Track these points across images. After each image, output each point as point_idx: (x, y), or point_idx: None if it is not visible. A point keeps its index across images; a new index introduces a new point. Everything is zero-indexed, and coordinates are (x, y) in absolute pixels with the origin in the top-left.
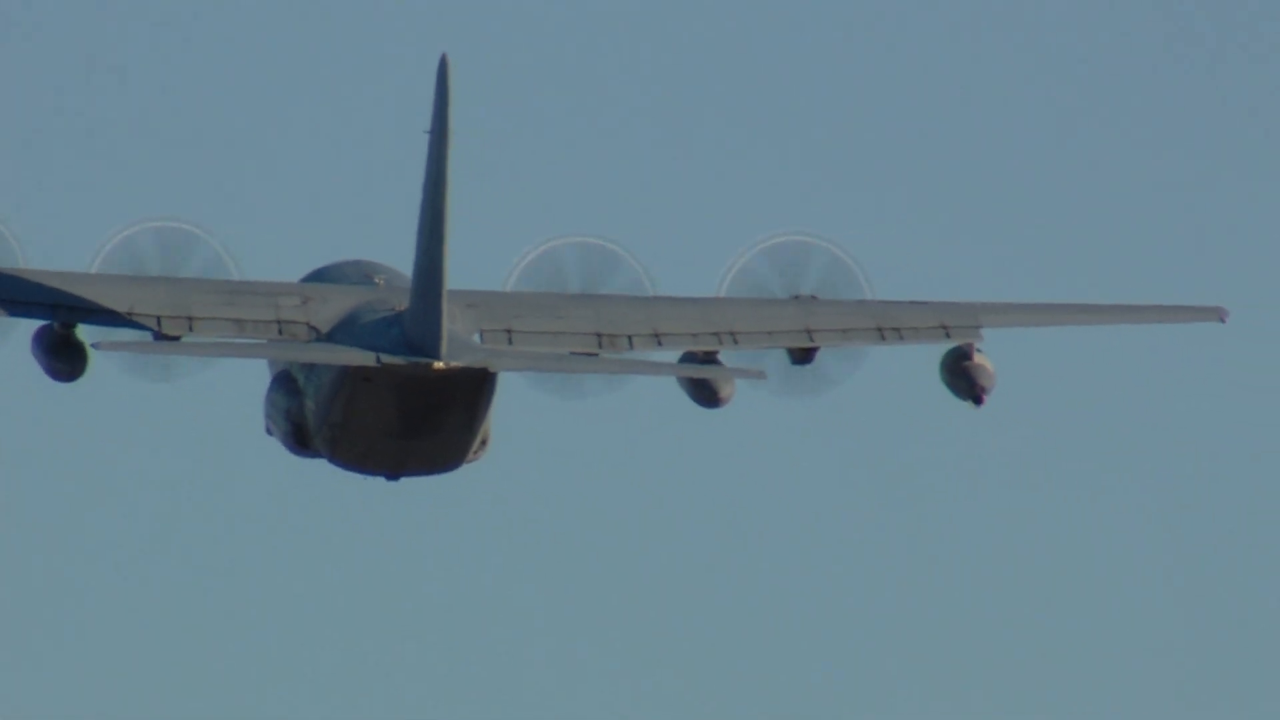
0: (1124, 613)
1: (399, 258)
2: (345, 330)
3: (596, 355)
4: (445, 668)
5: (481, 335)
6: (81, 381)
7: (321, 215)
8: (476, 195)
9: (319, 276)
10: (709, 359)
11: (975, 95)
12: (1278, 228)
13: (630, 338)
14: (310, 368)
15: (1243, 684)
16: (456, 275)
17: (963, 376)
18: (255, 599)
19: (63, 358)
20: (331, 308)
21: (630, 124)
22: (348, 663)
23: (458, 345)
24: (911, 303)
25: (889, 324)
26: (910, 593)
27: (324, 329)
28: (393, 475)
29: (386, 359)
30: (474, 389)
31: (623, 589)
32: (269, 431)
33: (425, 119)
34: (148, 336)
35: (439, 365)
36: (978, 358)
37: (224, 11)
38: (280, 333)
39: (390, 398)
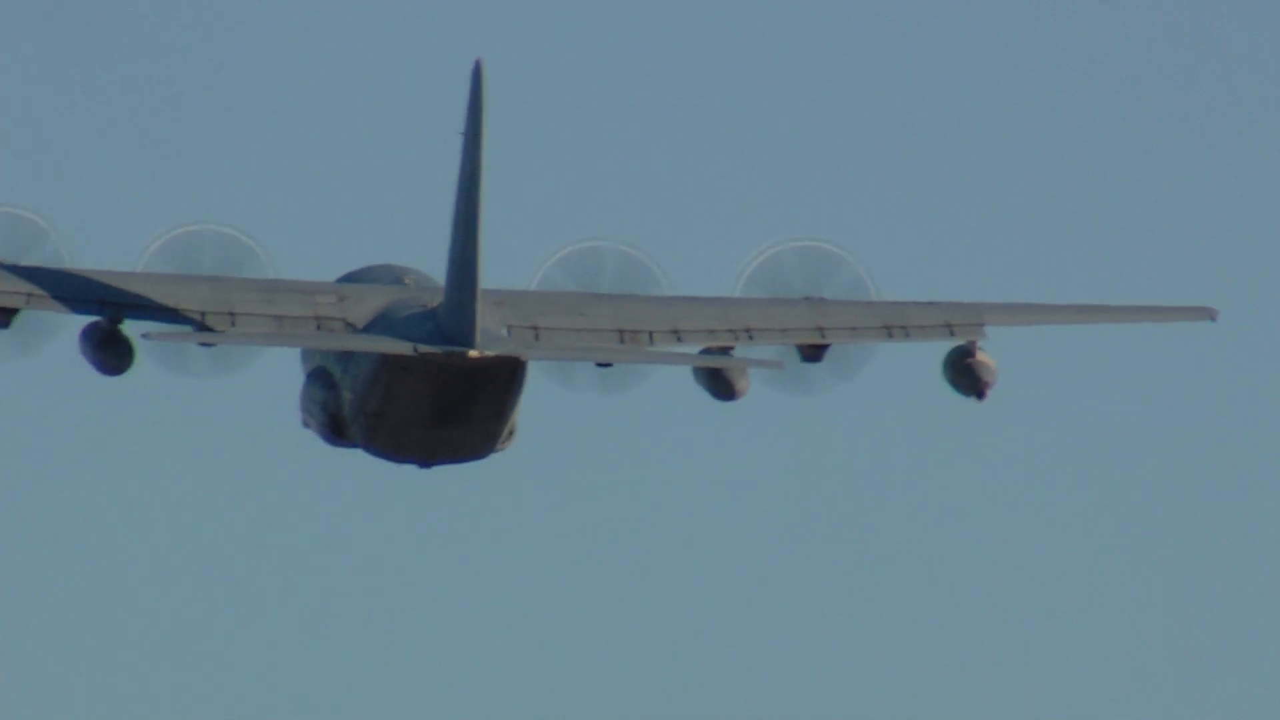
0: (1118, 603)
1: (432, 255)
2: (380, 325)
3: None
4: (475, 654)
5: (509, 331)
6: (128, 376)
7: (356, 216)
8: (504, 196)
9: (351, 279)
10: (725, 354)
11: (980, 106)
12: (1266, 232)
13: (651, 334)
14: (347, 361)
15: (1237, 681)
16: (484, 275)
17: (966, 373)
18: (288, 583)
19: (111, 352)
20: (366, 305)
21: (650, 130)
22: (382, 646)
23: (490, 337)
24: (917, 303)
25: (896, 322)
26: (910, 582)
27: (359, 324)
28: (425, 463)
29: (423, 348)
30: (506, 378)
31: (640, 577)
32: (305, 424)
33: (459, 122)
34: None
35: (474, 354)
36: (980, 355)
37: (266, 17)
38: (318, 328)
39: (425, 387)
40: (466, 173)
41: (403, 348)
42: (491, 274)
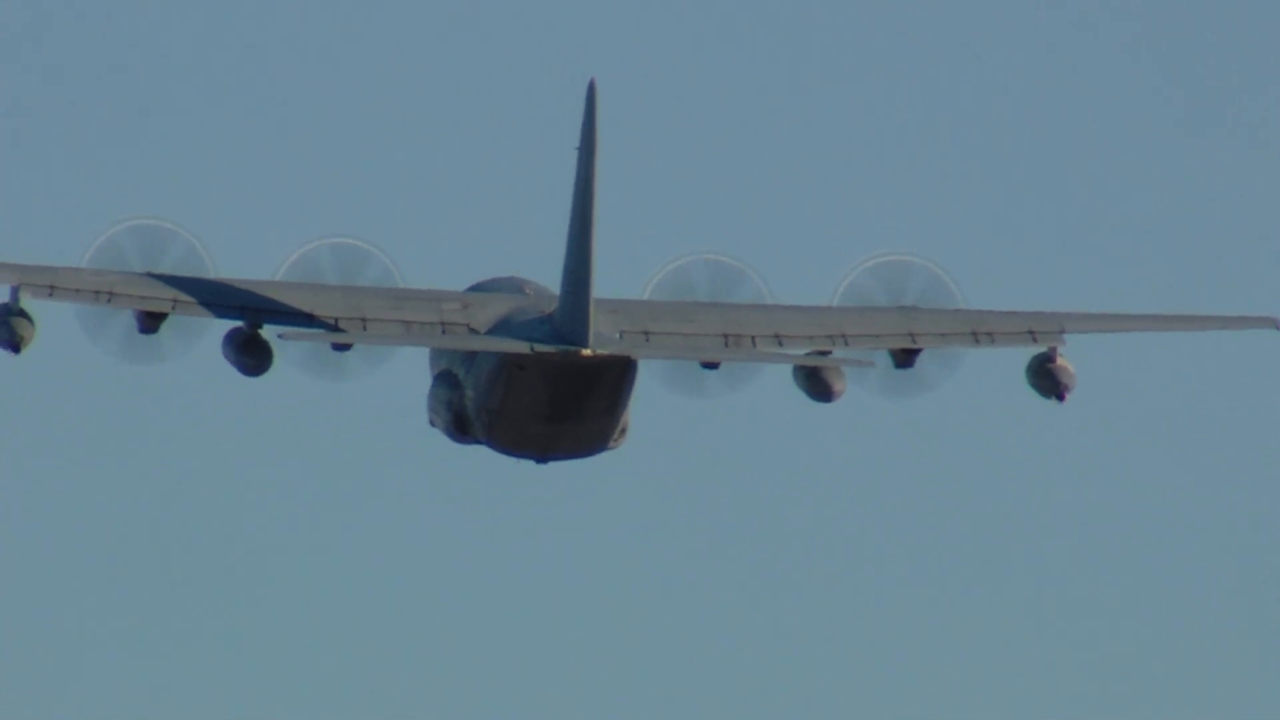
0: (1179, 592)
1: (550, 265)
2: (501, 329)
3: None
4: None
5: (622, 335)
6: (267, 377)
7: (480, 228)
8: (618, 209)
9: (477, 289)
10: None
11: (1065, 136)
12: None
13: (753, 338)
14: (470, 363)
15: None
16: (599, 286)
17: (1047, 377)
18: (413, 571)
19: (251, 354)
20: (488, 311)
21: (756, 149)
22: (510, 630)
23: (602, 338)
24: (1002, 312)
25: (982, 329)
26: (975, 575)
27: (481, 329)
28: (541, 458)
29: (540, 347)
30: (617, 377)
31: (739, 566)
32: (431, 424)
33: (575, 137)
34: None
35: (586, 352)
36: (1060, 360)
37: (391, 36)
38: (443, 333)
39: (542, 385)
40: (581, 185)
41: (520, 347)
42: (606, 285)
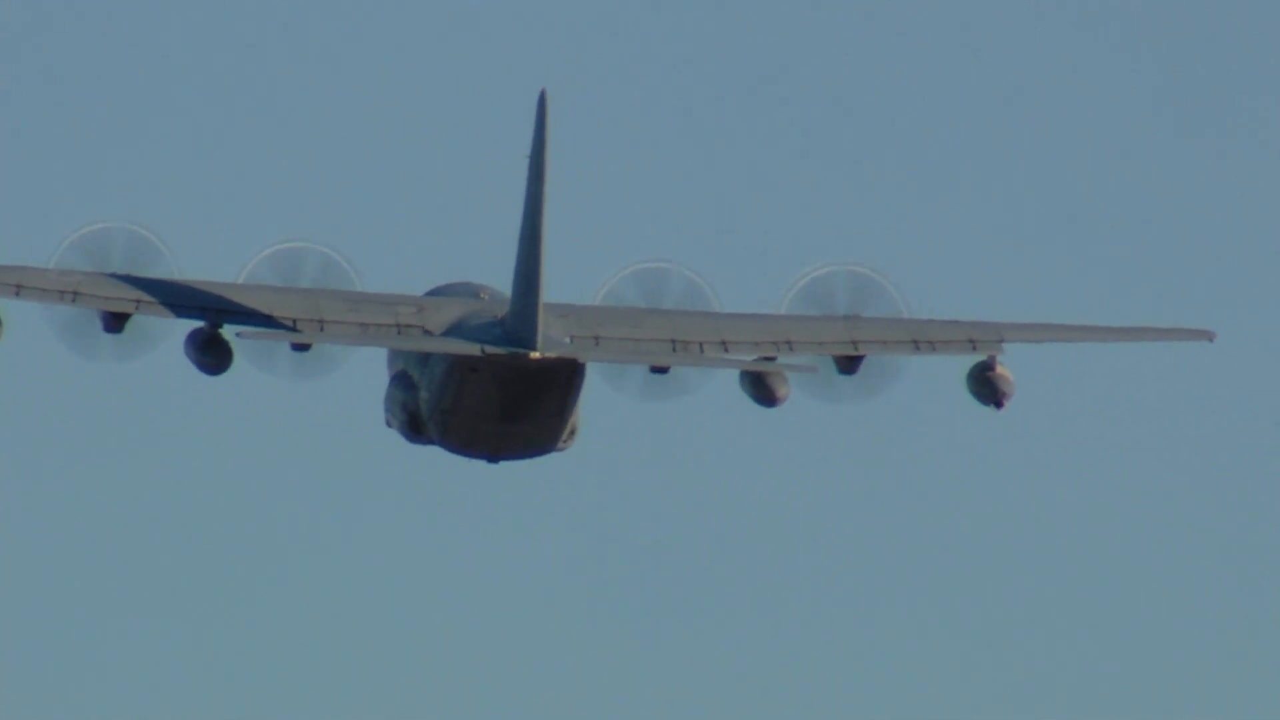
0: (1111, 590)
1: (506, 269)
2: (454, 332)
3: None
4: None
5: (572, 339)
6: (226, 376)
7: (434, 233)
8: (573, 217)
9: (435, 294)
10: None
11: (1012, 149)
12: (1262, 261)
13: (700, 344)
14: (424, 365)
15: (1230, 691)
16: (552, 291)
17: (986, 384)
18: (360, 567)
19: (211, 354)
20: (442, 315)
21: (707, 159)
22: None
23: (551, 341)
24: (943, 320)
25: (923, 337)
26: (916, 575)
27: (436, 332)
28: (493, 458)
29: (490, 349)
30: (565, 379)
31: (687, 566)
32: (388, 424)
33: (526, 145)
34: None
35: (535, 355)
36: (999, 368)
37: (344, 51)
38: (399, 334)
39: (493, 386)
40: (532, 192)
41: (471, 349)
42: (559, 290)
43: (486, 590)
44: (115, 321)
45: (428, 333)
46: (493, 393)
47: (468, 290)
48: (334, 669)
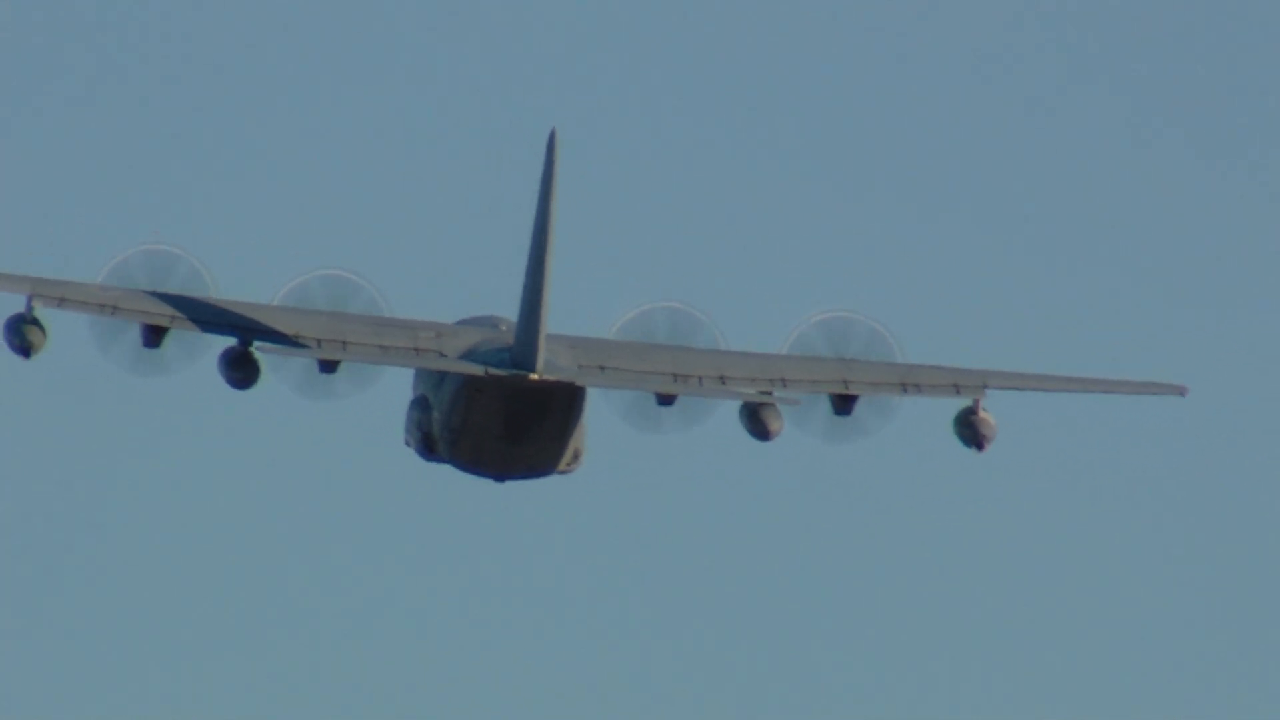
0: (1095, 618)
1: (509, 299)
2: (468, 357)
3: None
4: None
5: (580, 368)
6: (254, 390)
7: (453, 264)
8: (582, 252)
9: (461, 324)
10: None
11: (1000, 203)
12: (1234, 320)
13: (700, 378)
14: (439, 387)
15: None
16: (565, 324)
17: (969, 427)
18: (367, 579)
19: (240, 369)
20: (459, 341)
21: (719, 206)
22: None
23: (553, 366)
24: (931, 366)
25: (910, 380)
26: (903, 598)
27: (451, 356)
28: (499, 477)
29: (493, 370)
30: (565, 402)
31: (681, 592)
32: (406, 443)
33: (536, 183)
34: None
35: (534, 376)
36: (983, 413)
37: (361, 85)
38: (416, 356)
39: (497, 406)
40: (538, 225)
41: (476, 370)
42: (577, 324)
43: (482, 608)
44: (154, 336)
45: (443, 356)
46: (497, 412)
47: (489, 322)
48: (342, 675)
